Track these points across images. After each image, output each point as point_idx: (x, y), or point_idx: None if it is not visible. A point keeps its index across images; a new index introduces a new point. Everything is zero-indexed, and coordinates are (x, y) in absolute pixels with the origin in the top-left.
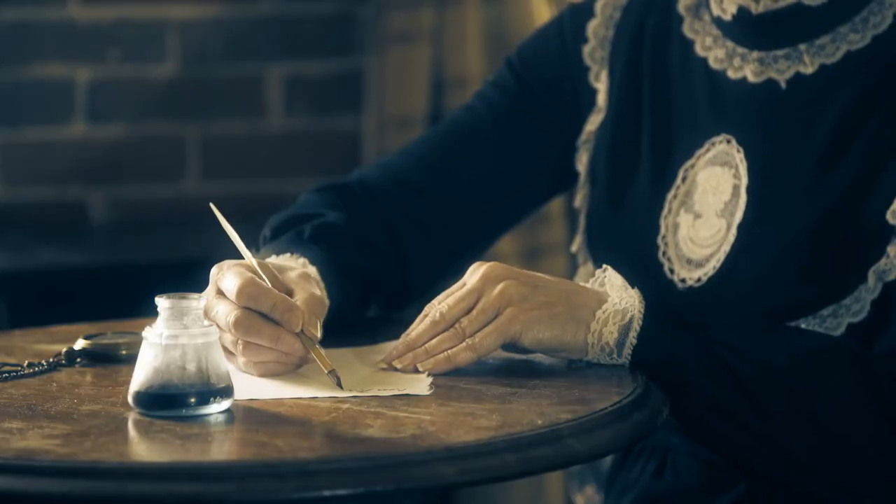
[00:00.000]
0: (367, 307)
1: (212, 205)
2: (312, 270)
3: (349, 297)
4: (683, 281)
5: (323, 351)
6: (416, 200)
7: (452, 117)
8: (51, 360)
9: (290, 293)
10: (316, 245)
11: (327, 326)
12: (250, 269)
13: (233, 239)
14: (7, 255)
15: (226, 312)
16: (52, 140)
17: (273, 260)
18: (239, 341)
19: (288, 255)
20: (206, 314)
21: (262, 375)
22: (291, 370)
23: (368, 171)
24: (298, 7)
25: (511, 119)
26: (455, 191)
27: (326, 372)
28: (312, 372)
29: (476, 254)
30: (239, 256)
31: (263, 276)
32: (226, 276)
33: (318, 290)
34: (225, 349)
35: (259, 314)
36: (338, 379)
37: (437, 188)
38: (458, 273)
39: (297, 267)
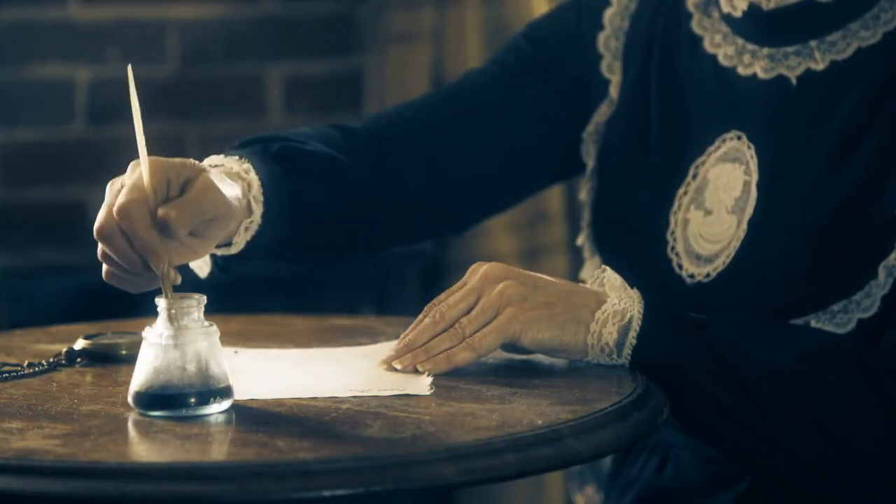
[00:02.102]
0: (317, 252)
1: (129, 67)
2: (253, 178)
3: (298, 230)
4: (692, 276)
5: (171, 288)
6: (416, 160)
7: (465, 76)
8: (51, 360)
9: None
10: (277, 164)
11: (322, 328)
12: (154, 169)
13: (137, 129)
14: (7, 255)
15: (102, 214)
16: (52, 140)
17: (213, 159)
18: (101, 247)
19: (236, 157)
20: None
21: (112, 282)
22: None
23: (379, 116)
24: (298, 7)
25: (525, 79)
26: (461, 145)
27: (170, 316)
28: (312, 372)
29: (459, 225)
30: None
31: (155, 186)
32: (126, 181)
33: (214, 192)
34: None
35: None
36: (178, 321)
37: (445, 141)
38: (458, 233)
39: (226, 165)
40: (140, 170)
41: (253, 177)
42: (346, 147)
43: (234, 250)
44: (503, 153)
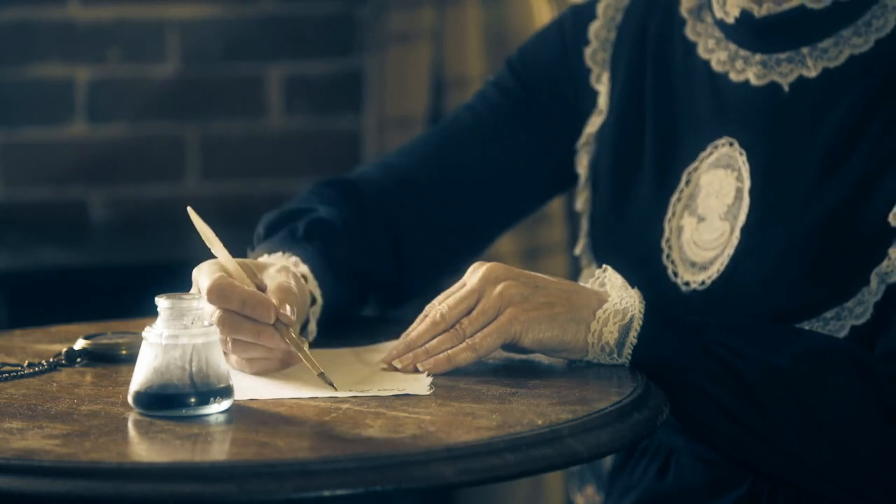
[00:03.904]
0: (363, 304)
1: (189, 208)
2: (304, 269)
3: (343, 294)
4: (687, 284)
5: (309, 351)
6: (416, 199)
7: (453, 116)
8: (51, 360)
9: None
10: (309, 243)
11: (325, 325)
12: (225, 267)
13: (207, 240)
14: (7, 255)
15: (210, 312)
16: (52, 140)
17: (265, 259)
18: (228, 340)
19: (280, 253)
20: None
21: (255, 373)
22: (282, 367)
23: (369, 169)
24: (298, 7)
25: (511, 119)
26: (455, 190)
27: (316, 374)
28: (311, 373)
29: (474, 253)
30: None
31: (237, 274)
32: (201, 277)
33: (292, 280)
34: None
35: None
36: (330, 382)
37: (438, 187)
38: (456, 272)
39: (280, 263)
40: (206, 265)
41: (304, 268)
42: (350, 203)
43: (311, 338)
44: (503, 188)
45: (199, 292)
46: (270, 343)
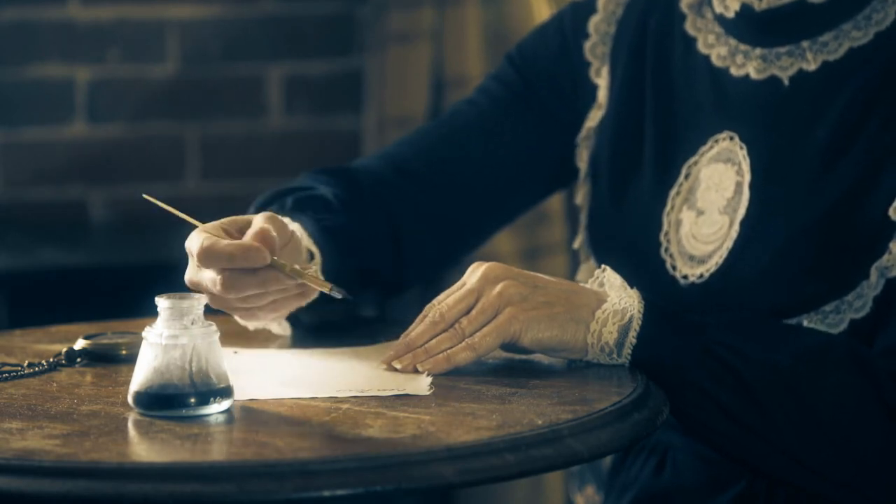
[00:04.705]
0: (362, 287)
1: (145, 195)
2: (295, 226)
3: (342, 260)
4: (686, 277)
5: (312, 271)
6: (416, 190)
7: (454, 109)
8: (51, 360)
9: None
10: (301, 213)
11: (325, 325)
12: (210, 231)
13: (179, 217)
14: (7, 255)
15: (212, 279)
16: (52, 140)
17: None
18: (238, 304)
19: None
20: (194, 286)
21: (282, 316)
22: (302, 301)
23: (369, 160)
24: (298, 7)
25: (511, 112)
26: (454, 182)
27: (328, 290)
28: (312, 372)
29: (473, 247)
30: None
31: (221, 235)
32: (192, 246)
33: (272, 224)
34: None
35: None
36: (343, 292)
37: (437, 178)
38: (453, 265)
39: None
40: (194, 235)
41: (296, 226)
42: (349, 190)
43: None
44: (502, 182)
45: (194, 259)
46: (278, 286)
